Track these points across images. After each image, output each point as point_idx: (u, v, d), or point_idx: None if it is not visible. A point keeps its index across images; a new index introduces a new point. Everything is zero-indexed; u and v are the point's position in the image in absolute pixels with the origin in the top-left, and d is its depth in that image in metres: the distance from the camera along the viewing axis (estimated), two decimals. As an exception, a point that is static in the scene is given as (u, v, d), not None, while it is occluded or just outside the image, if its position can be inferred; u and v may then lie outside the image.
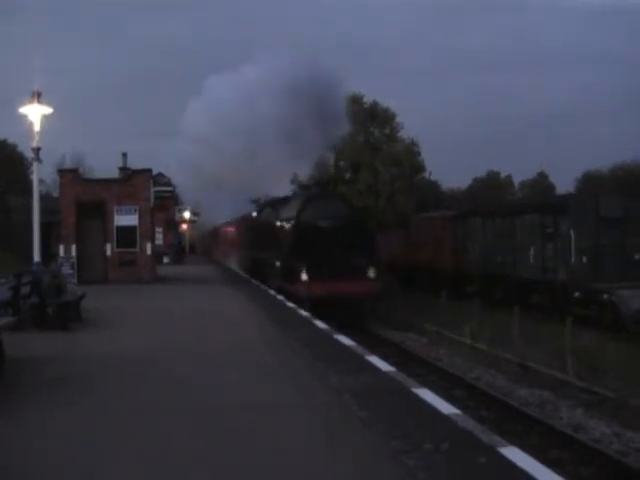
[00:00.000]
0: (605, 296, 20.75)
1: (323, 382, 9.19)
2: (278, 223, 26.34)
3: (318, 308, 19.00)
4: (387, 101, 53.59)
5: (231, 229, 48.06)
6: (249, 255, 35.56)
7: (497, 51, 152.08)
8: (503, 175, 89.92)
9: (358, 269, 21.83)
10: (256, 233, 32.80)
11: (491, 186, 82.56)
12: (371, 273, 22.26)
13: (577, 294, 21.76)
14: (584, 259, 21.79)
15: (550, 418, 12.13)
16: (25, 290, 15.58)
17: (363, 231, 23.16)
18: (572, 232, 22.06)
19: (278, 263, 24.85)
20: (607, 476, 9.39)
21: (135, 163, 33.03)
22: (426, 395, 8.37)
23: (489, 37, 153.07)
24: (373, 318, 22.92)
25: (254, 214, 36.06)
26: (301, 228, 23.13)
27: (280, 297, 22.23)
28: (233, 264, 43.44)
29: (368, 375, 9.66)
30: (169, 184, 51.07)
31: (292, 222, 23.90)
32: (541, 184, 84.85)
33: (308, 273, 21.75)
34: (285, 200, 29.36)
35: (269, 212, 30.46)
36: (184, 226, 68.74)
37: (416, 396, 8.35)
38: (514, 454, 6.06)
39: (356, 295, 21.22)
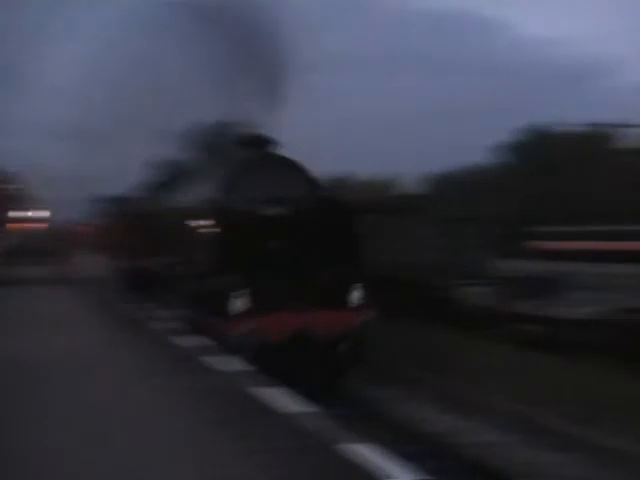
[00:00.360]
0: (449, 292, 21.45)
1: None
2: (184, 212, 16.22)
3: (266, 357, 11.84)
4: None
5: (92, 227, 38.71)
6: (124, 264, 24.07)
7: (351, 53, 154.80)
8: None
9: (335, 289, 13.57)
10: (139, 231, 21.63)
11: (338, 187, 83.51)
12: (357, 294, 13.73)
13: (420, 292, 22.32)
14: (431, 257, 22.41)
15: (399, 414, 12.36)
16: None
17: (341, 222, 14.30)
18: (421, 231, 22.73)
19: (186, 281, 15.33)
20: (453, 467, 9.67)
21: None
22: (274, 394, 8.25)
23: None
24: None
25: (132, 202, 24.62)
26: (231, 220, 13.65)
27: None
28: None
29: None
30: (12, 182, 48.85)
31: (213, 209, 14.12)
32: (390, 184, 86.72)
33: (249, 300, 12.89)
34: (192, 173, 18.05)
35: (165, 195, 19.38)
36: (29, 225, 65.76)
37: (265, 396, 8.21)
38: (363, 450, 6.03)
39: (333, 332, 13.16)
